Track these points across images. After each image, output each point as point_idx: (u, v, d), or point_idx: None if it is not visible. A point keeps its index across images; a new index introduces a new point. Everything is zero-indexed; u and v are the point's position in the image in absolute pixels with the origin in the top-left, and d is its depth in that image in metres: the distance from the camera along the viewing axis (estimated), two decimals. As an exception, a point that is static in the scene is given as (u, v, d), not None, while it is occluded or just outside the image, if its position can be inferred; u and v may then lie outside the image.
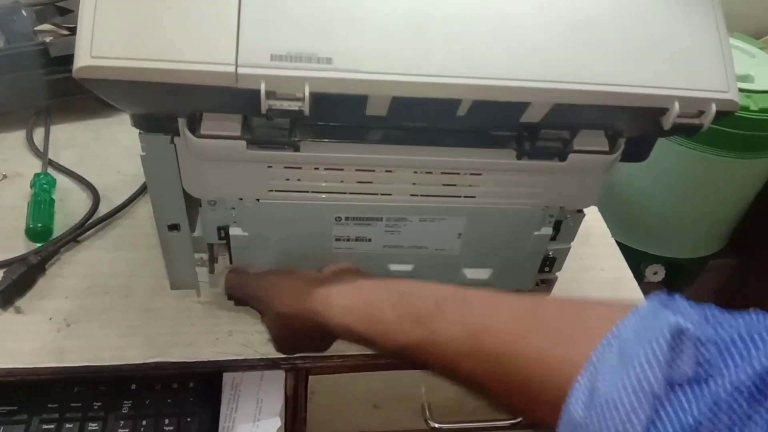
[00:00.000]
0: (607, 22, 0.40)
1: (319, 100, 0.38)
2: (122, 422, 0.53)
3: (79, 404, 0.54)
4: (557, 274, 0.60)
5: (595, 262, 0.65)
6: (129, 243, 0.65)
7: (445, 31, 0.39)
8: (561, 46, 0.39)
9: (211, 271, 0.58)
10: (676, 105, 0.39)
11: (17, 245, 0.63)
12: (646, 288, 0.68)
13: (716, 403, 0.26)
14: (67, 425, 0.52)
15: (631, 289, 0.67)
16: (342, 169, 0.48)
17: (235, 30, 0.37)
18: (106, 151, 0.75)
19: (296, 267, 0.53)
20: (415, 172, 0.48)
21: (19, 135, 0.76)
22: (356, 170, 0.48)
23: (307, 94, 0.37)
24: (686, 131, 0.41)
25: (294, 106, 0.37)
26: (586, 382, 0.30)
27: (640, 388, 0.28)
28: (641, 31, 0.40)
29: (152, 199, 0.51)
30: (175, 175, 0.48)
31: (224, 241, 0.54)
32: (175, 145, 0.46)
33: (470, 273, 0.58)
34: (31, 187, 0.68)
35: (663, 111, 0.40)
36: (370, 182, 0.49)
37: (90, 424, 0.53)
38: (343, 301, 0.45)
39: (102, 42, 0.36)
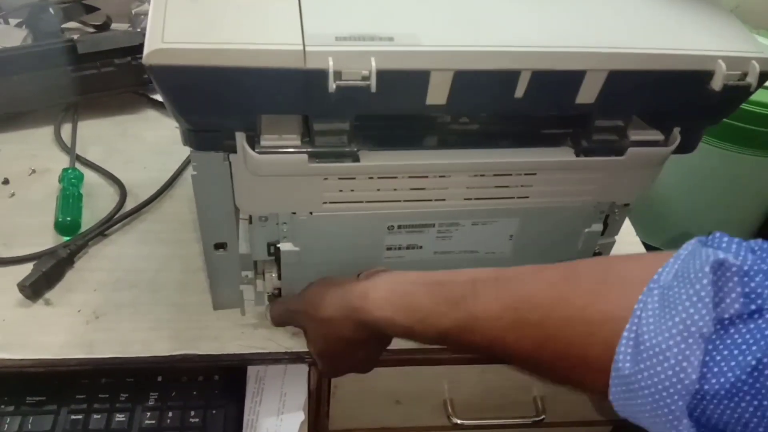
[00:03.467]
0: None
1: (381, 83, 0.38)
2: (149, 414, 0.54)
3: (107, 395, 0.54)
4: None
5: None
6: (155, 238, 0.65)
7: (493, 11, 0.42)
8: (609, 17, 0.43)
9: (258, 288, 0.57)
10: (722, 64, 0.41)
11: (46, 239, 0.64)
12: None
13: None
14: (95, 416, 0.53)
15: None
16: (396, 177, 0.47)
17: (299, 19, 0.39)
18: (133, 148, 0.76)
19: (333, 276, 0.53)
20: (470, 176, 0.48)
21: (48, 131, 0.77)
22: (410, 177, 0.48)
23: (373, 68, 0.37)
24: (736, 95, 0.43)
25: (361, 83, 0.38)
26: (630, 334, 0.29)
27: (687, 331, 0.26)
28: (673, 6, 0.45)
29: (200, 219, 0.50)
30: (227, 194, 0.48)
31: (272, 257, 0.53)
32: (230, 163, 0.46)
33: None
34: (59, 182, 0.69)
35: (710, 75, 0.41)
36: (424, 188, 0.48)
37: (117, 415, 0.53)
38: (380, 294, 0.45)
39: (173, 29, 0.37)
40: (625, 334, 0.29)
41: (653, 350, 0.27)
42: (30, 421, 0.52)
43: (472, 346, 0.40)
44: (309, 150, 0.44)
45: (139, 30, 0.82)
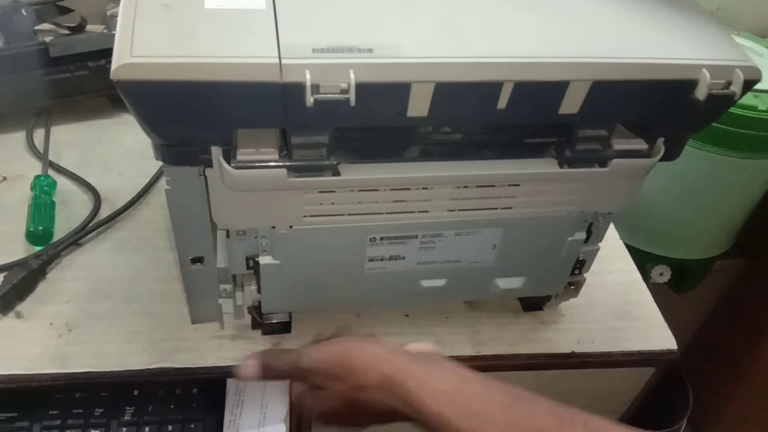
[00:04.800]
0: (626, 7, 0.44)
1: (361, 96, 0.37)
2: (125, 429, 0.53)
3: (81, 411, 0.53)
4: (585, 275, 0.60)
5: (604, 264, 0.64)
6: (131, 246, 0.64)
7: (476, 20, 0.41)
8: (592, 25, 0.42)
9: (237, 301, 0.55)
10: (706, 73, 0.40)
11: (17, 249, 0.62)
12: (652, 289, 0.67)
13: None
14: (69, 432, 0.52)
15: (640, 292, 0.66)
16: (377, 190, 0.46)
17: (274, 30, 0.37)
18: (108, 153, 0.74)
19: (349, 331, 0.47)
20: (453, 188, 0.47)
21: (20, 136, 0.75)
22: (392, 189, 0.47)
23: (352, 81, 0.36)
24: (720, 104, 0.43)
25: (339, 96, 0.37)
26: None
27: None
28: (656, 15, 0.45)
29: (176, 233, 0.49)
30: (203, 208, 0.46)
31: (251, 271, 0.52)
32: (205, 177, 0.44)
33: (503, 283, 0.57)
34: (31, 189, 0.67)
35: (694, 84, 0.41)
36: (406, 200, 0.48)
37: (92, 430, 0.52)
38: (444, 387, 0.39)
39: (142, 43, 0.35)
40: None
41: None
42: (1, 438, 0.51)
43: None
44: (287, 164, 0.43)
45: (114, 32, 0.80)
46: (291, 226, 0.48)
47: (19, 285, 0.57)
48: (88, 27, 0.87)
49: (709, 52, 0.42)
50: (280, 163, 0.42)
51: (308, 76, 0.36)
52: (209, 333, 0.57)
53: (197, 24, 0.37)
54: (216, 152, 0.42)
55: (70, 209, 0.67)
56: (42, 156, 0.72)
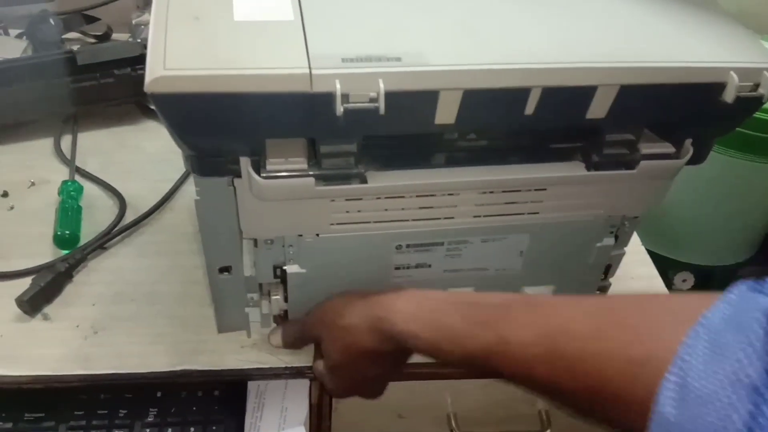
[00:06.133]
0: (650, 10, 0.45)
1: (390, 105, 0.37)
2: (148, 430, 0.53)
3: (105, 411, 0.54)
4: (611, 280, 0.60)
5: (626, 270, 0.64)
6: (155, 250, 0.65)
7: (499, 25, 0.41)
8: (617, 29, 0.42)
9: (264, 310, 0.56)
10: (734, 76, 0.40)
11: (45, 252, 0.63)
12: (676, 296, 0.66)
13: None
14: (94, 432, 0.53)
15: (662, 298, 0.65)
16: (403, 196, 0.46)
17: (303, 41, 0.38)
18: (132, 158, 0.76)
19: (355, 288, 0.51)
20: (480, 193, 0.47)
21: (47, 143, 0.77)
22: (418, 196, 0.47)
23: (382, 90, 0.37)
24: (748, 106, 0.43)
25: (369, 105, 0.37)
26: (675, 378, 0.28)
27: (738, 381, 0.26)
28: (681, 17, 0.45)
29: (204, 243, 0.49)
30: (232, 218, 0.47)
31: (278, 279, 0.52)
32: (234, 188, 0.45)
33: (531, 291, 0.57)
34: (58, 194, 0.68)
35: (722, 87, 0.41)
36: (432, 207, 0.47)
37: (116, 431, 0.53)
38: (408, 308, 0.44)
39: (175, 56, 0.36)
40: (671, 377, 0.28)
41: (700, 396, 0.26)
42: (28, 438, 0.52)
43: (498, 371, 0.39)
44: (316, 173, 0.43)
45: (139, 40, 0.82)
46: (318, 234, 0.48)
47: (47, 288, 0.58)
48: (114, 35, 0.89)
49: (737, 55, 0.41)
50: (309, 172, 0.43)
51: (338, 86, 0.36)
52: (231, 336, 0.57)
53: (227, 36, 0.38)
54: (245, 163, 0.42)
55: (96, 214, 0.68)
56: (69, 161, 0.74)
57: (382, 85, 0.37)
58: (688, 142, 0.47)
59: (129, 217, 0.67)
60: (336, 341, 0.49)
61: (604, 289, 0.60)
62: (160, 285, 0.61)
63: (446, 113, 0.40)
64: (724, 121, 0.46)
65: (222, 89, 0.36)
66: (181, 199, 0.71)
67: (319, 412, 0.59)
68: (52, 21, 0.85)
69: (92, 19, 0.89)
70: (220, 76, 0.36)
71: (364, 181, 0.44)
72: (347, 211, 0.46)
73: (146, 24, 0.87)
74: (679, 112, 0.44)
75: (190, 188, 0.72)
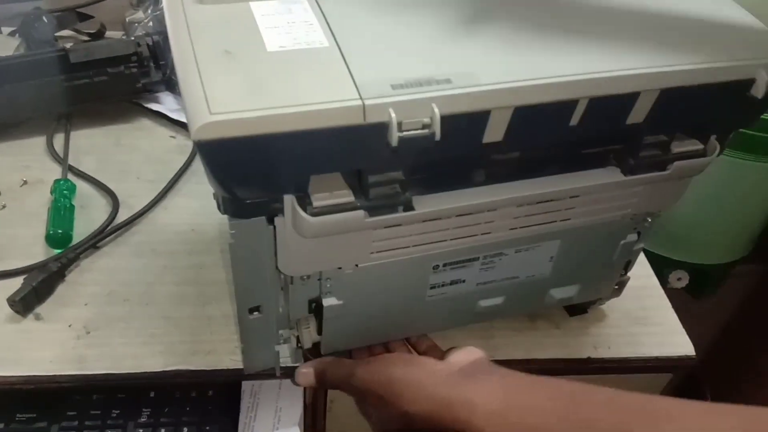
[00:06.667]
0: (676, 12, 0.45)
1: (442, 129, 0.36)
2: (141, 430, 0.53)
3: (99, 412, 0.54)
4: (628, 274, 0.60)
5: (620, 269, 0.64)
6: (149, 249, 0.64)
7: (538, 39, 0.40)
8: (649, 34, 0.42)
9: (298, 346, 0.53)
10: (764, 72, 0.41)
11: (37, 252, 0.63)
12: (670, 294, 0.66)
13: None
14: (86, 433, 0.52)
15: (657, 298, 0.66)
16: (441, 218, 0.45)
17: (346, 69, 0.36)
18: (126, 157, 0.75)
19: (400, 346, 0.49)
20: (517, 206, 0.46)
21: (40, 141, 0.76)
22: (458, 216, 0.45)
23: (437, 115, 0.35)
24: None
25: (424, 132, 0.35)
26: None
27: None
28: (706, 18, 0.45)
29: (237, 285, 0.47)
30: (269, 258, 0.45)
31: (311, 314, 0.51)
32: (274, 226, 0.42)
33: (558, 293, 0.56)
34: (51, 193, 0.68)
35: (751, 83, 0.42)
36: (470, 225, 0.46)
37: (109, 431, 0.53)
38: (494, 407, 0.38)
39: (218, 98, 0.33)
40: None
41: None
42: (20, 439, 0.52)
43: None
44: (364, 204, 0.41)
45: (133, 38, 0.81)
46: (357, 265, 0.46)
47: (39, 287, 0.58)
48: (108, 33, 0.89)
49: (763, 51, 0.42)
50: (357, 204, 0.40)
51: (393, 115, 0.34)
52: (225, 335, 0.57)
53: (266, 70, 0.36)
54: (289, 200, 0.40)
55: (89, 213, 0.67)
56: (62, 160, 0.73)
57: (436, 110, 0.35)
58: (713, 138, 0.47)
59: (122, 216, 0.67)
60: (392, 421, 0.45)
61: (622, 283, 0.60)
62: (153, 285, 0.61)
63: (495, 131, 0.39)
64: (750, 115, 0.46)
65: (274, 129, 0.34)
66: (174, 199, 0.70)
67: (314, 412, 0.59)
68: (45, 19, 0.85)
69: (86, 17, 0.89)
70: (271, 116, 0.33)
71: (410, 207, 0.42)
72: (388, 239, 0.45)
73: (140, 22, 0.87)
74: (712, 110, 0.44)
75: (184, 187, 0.72)
